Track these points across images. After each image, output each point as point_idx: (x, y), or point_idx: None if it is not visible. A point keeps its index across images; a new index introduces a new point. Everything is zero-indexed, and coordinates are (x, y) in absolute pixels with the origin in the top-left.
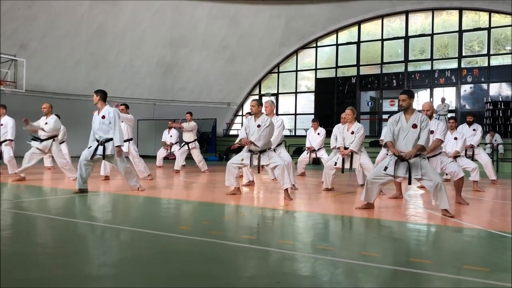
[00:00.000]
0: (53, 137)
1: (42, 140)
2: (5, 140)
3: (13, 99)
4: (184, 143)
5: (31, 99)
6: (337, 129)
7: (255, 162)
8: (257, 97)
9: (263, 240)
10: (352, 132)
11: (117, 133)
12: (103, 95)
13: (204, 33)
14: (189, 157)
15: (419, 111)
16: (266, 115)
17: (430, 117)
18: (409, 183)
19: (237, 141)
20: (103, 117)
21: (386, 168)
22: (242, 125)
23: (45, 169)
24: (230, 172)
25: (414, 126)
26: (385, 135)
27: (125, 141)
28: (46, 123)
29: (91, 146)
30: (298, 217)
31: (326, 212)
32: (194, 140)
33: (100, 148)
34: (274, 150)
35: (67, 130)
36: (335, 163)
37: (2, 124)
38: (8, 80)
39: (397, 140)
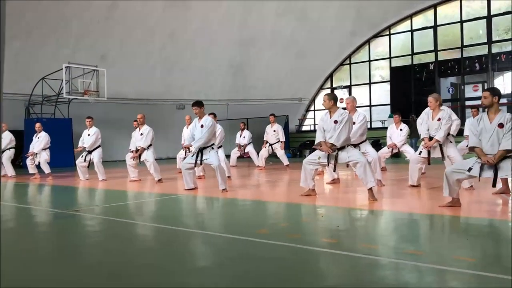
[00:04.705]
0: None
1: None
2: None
3: (97, 107)
4: (268, 144)
5: (113, 106)
6: (423, 113)
7: (332, 160)
8: (329, 90)
9: (344, 244)
10: (439, 119)
11: (204, 136)
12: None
13: (272, 30)
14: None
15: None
16: (345, 110)
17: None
18: (493, 185)
19: (316, 145)
20: (202, 126)
21: (470, 169)
22: (314, 122)
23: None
24: (306, 172)
25: (501, 125)
26: (469, 139)
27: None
28: (141, 134)
29: (194, 154)
30: (381, 217)
31: (411, 211)
32: (277, 142)
33: (199, 154)
34: (359, 147)
35: None
36: (420, 152)
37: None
38: (91, 90)
39: (481, 142)
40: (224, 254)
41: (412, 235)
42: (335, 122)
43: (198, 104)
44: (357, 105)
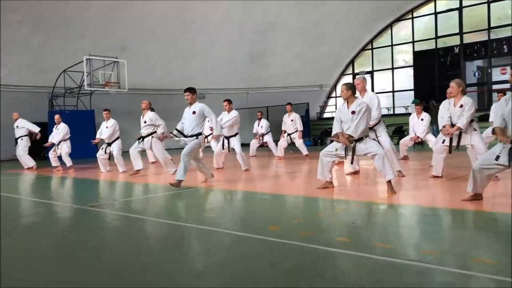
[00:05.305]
0: (151, 134)
1: (143, 138)
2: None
3: (118, 98)
4: (287, 133)
5: (134, 97)
6: (443, 105)
7: (350, 152)
8: (350, 76)
9: (358, 243)
10: (461, 106)
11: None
12: (195, 92)
13: (291, 17)
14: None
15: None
16: (363, 101)
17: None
18: None
19: (332, 136)
20: (194, 112)
21: (498, 157)
22: (336, 109)
23: (148, 163)
24: (323, 164)
25: None
26: (494, 119)
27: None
28: (145, 122)
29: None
30: (399, 212)
31: (429, 205)
32: (295, 132)
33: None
34: (375, 131)
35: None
36: (443, 141)
37: (107, 127)
38: (112, 81)
39: (508, 124)
40: (230, 254)
41: (429, 232)
42: (353, 112)
43: (191, 90)
44: (380, 91)
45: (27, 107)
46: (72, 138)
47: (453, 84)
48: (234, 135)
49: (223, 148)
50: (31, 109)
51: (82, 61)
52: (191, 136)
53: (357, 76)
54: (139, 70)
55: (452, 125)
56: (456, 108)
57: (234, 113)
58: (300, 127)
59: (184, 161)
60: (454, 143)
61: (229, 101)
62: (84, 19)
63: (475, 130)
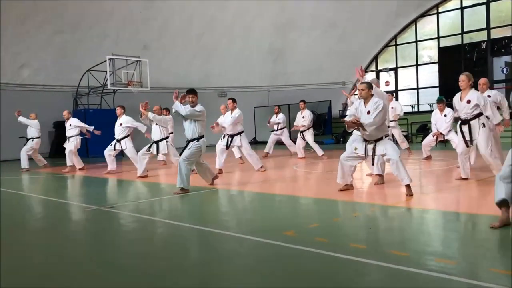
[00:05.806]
0: (165, 138)
1: (157, 142)
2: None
3: (141, 97)
4: (300, 131)
5: (156, 95)
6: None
7: (370, 152)
8: (373, 74)
9: (372, 250)
10: (468, 101)
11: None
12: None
13: (313, 13)
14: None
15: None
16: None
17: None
18: None
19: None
20: None
21: None
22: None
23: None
24: (344, 169)
25: None
26: None
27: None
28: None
29: None
30: (418, 217)
31: (452, 210)
32: (308, 128)
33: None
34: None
35: None
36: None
37: (121, 124)
38: (134, 81)
39: None
40: (242, 261)
41: (448, 239)
42: (368, 112)
43: (194, 92)
44: (404, 88)
45: (52, 106)
46: (95, 137)
47: (463, 77)
48: (238, 134)
49: (227, 148)
50: (56, 108)
51: (105, 60)
52: (192, 140)
53: (360, 82)
54: (161, 69)
55: (462, 121)
56: (463, 103)
57: (238, 111)
58: (309, 123)
59: (184, 168)
60: (469, 138)
61: (233, 100)
62: (107, 19)
63: (484, 126)
